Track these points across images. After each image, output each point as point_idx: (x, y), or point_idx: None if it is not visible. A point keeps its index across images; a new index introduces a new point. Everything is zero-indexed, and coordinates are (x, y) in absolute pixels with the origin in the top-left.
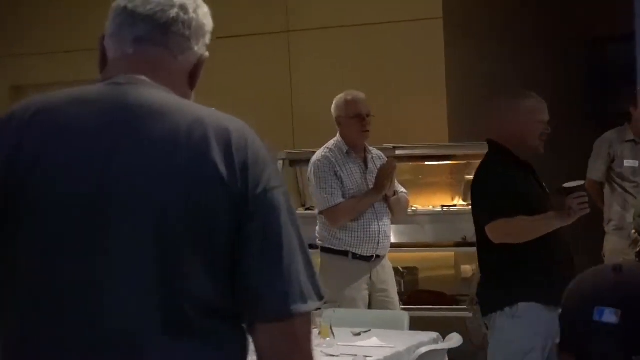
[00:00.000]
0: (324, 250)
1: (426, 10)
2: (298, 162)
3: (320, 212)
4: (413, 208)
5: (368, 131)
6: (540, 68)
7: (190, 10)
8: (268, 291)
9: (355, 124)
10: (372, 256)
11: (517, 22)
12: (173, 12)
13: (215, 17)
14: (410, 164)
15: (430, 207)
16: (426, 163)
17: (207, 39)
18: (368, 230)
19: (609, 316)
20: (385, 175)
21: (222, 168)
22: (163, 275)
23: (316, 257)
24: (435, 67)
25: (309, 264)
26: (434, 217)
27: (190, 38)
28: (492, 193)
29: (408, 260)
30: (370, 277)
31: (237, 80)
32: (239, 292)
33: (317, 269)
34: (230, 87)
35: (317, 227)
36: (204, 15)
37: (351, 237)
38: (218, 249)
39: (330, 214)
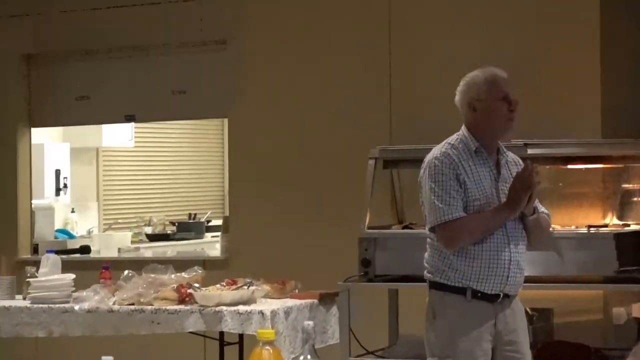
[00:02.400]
0: (434, 286)
1: None
2: (394, 162)
3: (432, 229)
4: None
5: (513, 121)
6: None
7: None
8: None
9: (500, 110)
10: (499, 295)
11: None
12: None
13: None
14: (547, 167)
15: (573, 227)
16: (569, 166)
17: None
18: (496, 259)
19: None
20: (523, 185)
21: None
22: None
23: (421, 295)
24: (588, 43)
25: None
26: (577, 241)
27: None
28: None
29: (540, 299)
30: (495, 325)
31: (322, 48)
32: None
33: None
34: (314, 58)
35: (426, 254)
36: None
37: (472, 267)
38: None
39: (446, 230)
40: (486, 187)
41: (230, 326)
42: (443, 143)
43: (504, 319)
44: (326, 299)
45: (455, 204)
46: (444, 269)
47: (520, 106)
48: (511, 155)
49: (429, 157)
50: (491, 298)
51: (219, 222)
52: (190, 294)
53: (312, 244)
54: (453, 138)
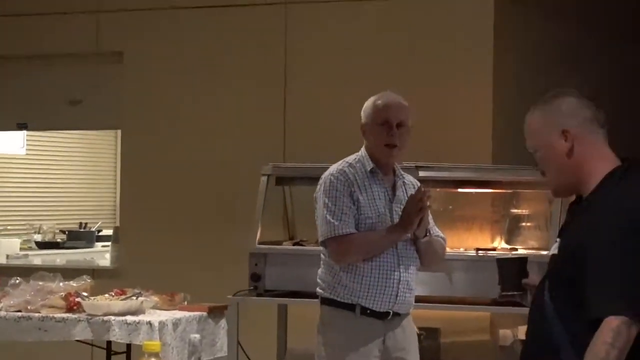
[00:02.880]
0: (325, 301)
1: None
2: (287, 179)
3: (322, 243)
4: None
5: (395, 146)
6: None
7: None
8: None
9: (380, 134)
10: (389, 313)
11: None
12: None
13: None
14: (438, 190)
15: (462, 249)
16: (459, 190)
17: None
18: (385, 278)
19: None
20: (415, 207)
21: None
22: None
23: (310, 311)
24: (481, 72)
25: None
26: (465, 263)
27: None
28: None
29: (427, 319)
30: (384, 342)
31: (218, 63)
32: None
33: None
34: (209, 73)
35: (320, 270)
36: None
37: (361, 284)
38: None
39: (336, 245)
40: (380, 207)
41: (118, 336)
42: (341, 161)
43: (393, 337)
44: (215, 312)
45: (347, 220)
46: (334, 285)
47: (415, 130)
48: (409, 178)
49: (325, 174)
50: (381, 315)
51: (109, 232)
52: (79, 302)
53: (203, 257)
54: (352, 157)
